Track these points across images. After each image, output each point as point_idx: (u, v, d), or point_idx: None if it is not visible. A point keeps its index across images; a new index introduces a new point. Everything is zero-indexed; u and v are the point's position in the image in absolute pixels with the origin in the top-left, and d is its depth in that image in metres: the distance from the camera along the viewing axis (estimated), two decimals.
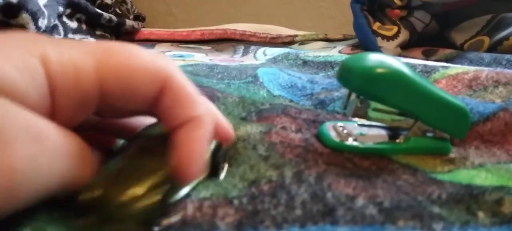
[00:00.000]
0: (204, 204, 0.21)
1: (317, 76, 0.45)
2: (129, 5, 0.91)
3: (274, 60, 0.56)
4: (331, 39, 0.80)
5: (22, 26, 0.54)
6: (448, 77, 0.41)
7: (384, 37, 0.64)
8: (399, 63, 0.27)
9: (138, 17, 0.92)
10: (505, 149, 0.30)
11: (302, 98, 0.40)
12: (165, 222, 0.19)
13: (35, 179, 0.15)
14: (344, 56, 0.53)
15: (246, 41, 0.77)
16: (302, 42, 0.78)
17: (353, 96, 0.28)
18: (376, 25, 0.65)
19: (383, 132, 0.31)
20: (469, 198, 0.23)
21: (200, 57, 0.62)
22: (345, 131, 0.30)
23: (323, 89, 0.40)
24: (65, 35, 0.65)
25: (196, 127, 0.20)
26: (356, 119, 0.30)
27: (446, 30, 0.68)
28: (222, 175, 0.24)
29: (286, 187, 0.23)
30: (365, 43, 0.65)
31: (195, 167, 0.19)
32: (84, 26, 0.71)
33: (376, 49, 0.63)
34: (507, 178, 0.25)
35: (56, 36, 0.62)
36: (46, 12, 0.58)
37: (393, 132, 0.30)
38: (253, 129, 0.30)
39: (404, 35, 0.65)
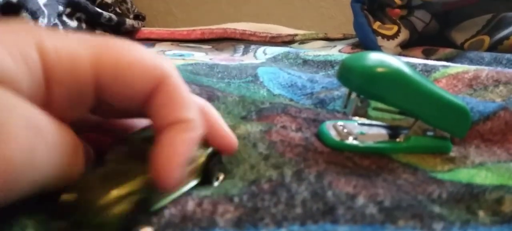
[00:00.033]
0: (204, 201, 0.21)
1: (317, 76, 0.45)
2: (129, 4, 0.91)
3: (274, 60, 0.56)
4: (331, 39, 0.80)
5: None
6: (448, 76, 0.41)
7: (384, 36, 0.64)
8: (399, 63, 0.27)
9: (138, 17, 0.91)
10: (505, 148, 0.30)
11: (302, 97, 0.40)
12: None
13: (31, 171, 0.15)
14: (344, 56, 0.53)
15: (246, 41, 0.77)
16: (302, 42, 0.78)
17: (353, 95, 0.28)
18: (376, 25, 0.65)
19: (383, 131, 0.31)
20: (470, 197, 0.23)
21: (200, 56, 0.62)
22: (345, 130, 0.30)
23: (323, 88, 0.40)
24: None
25: (182, 129, 0.19)
26: (356, 118, 0.30)
27: (447, 29, 0.68)
28: (216, 184, 0.23)
29: (286, 186, 0.23)
30: (365, 43, 0.65)
31: (173, 171, 0.18)
32: (84, 26, 0.71)
33: (376, 48, 0.63)
34: (507, 177, 0.25)
35: None
36: (46, 11, 0.58)
37: (393, 131, 0.30)
38: (253, 128, 0.30)
39: (404, 35, 0.65)
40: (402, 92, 0.27)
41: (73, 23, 0.68)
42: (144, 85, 0.19)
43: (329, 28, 0.95)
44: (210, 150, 0.23)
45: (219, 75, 0.45)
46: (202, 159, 0.22)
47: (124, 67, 0.19)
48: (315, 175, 0.24)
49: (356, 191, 0.22)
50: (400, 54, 0.62)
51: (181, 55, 0.63)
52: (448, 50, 0.61)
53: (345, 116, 0.35)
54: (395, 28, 0.65)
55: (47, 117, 0.16)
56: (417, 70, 0.43)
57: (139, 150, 0.20)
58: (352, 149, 0.28)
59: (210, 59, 0.58)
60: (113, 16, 0.75)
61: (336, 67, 0.49)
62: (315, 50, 0.61)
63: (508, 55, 0.54)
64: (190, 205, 0.20)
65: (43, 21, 0.56)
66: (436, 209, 0.21)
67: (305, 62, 0.53)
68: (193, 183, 0.22)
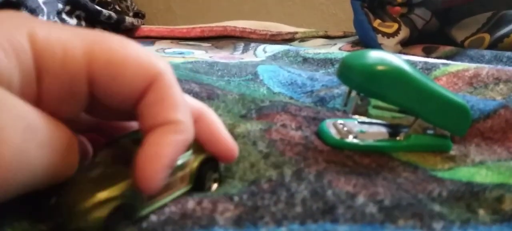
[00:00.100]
0: (204, 200, 0.21)
1: (317, 74, 0.45)
2: (129, 2, 0.90)
3: (274, 58, 0.56)
4: (331, 36, 0.79)
5: None
6: (448, 74, 0.41)
7: (384, 34, 0.64)
8: (399, 61, 0.27)
9: (137, 14, 0.91)
10: (505, 146, 0.30)
11: (302, 95, 0.39)
12: None
13: (22, 171, 0.15)
14: (344, 54, 0.53)
15: (246, 38, 0.77)
16: (302, 39, 0.77)
17: (354, 93, 0.28)
18: (376, 22, 0.65)
19: (383, 129, 0.31)
20: (470, 195, 0.23)
21: (200, 54, 0.62)
22: (345, 128, 0.30)
23: (323, 86, 0.40)
24: None
25: (169, 131, 0.18)
26: (356, 116, 0.30)
27: (447, 27, 0.68)
28: (212, 189, 0.22)
29: (286, 185, 0.23)
30: (366, 40, 0.65)
31: (155, 173, 0.17)
32: (83, 23, 0.70)
33: (377, 46, 0.62)
34: (508, 175, 0.25)
35: None
36: (45, 9, 0.58)
37: (394, 129, 0.30)
38: (253, 127, 0.30)
39: (404, 32, 0.64)
40: (402, 91, 0.27)
41: (73, 21, 0.67)
42: (138, 83, 0.18)
43: (330, 26, 0.95)
44: (204, 155, 0.22)
45: (219, 73, 0.45)
46: (194, 165, 0.21)
47: (118, 63, 0.18)
48: (315, 174, 0.24)
49: (356, 190, 0.22)
50: (400, 52, 0.62)
51: (181, 53, 0.63)
52: (448, 48, 0.61)
53: (345, 114, 0.35)
54: (395, 26, 0.65)
55: (40, 114, 0.16)
56: (418, 68, 0.43)
57: (127, 153, 0.19)
58: (352, 147, 0.28)
59: (210, 57, 0.58)
60: (113, 14, 0.75)
61: (336, 65, 0.49)
62: (315, 48, 0.61)
63: (508, 53, 0.54)
64: (190, 203, 0.20)
65: (42, 19, 0.56)
66: (436, 207, 0.21)
67: (305, 60, 0.53)
68: (183, 189, 0.21)
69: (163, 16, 1.19)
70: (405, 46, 0.65)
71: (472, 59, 0.55)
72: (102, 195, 0.17)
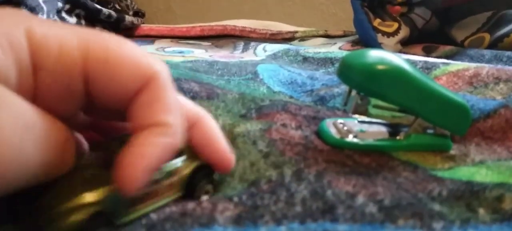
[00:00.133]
0: (203, 201, 0.21)
1: (317, 73, 0.45)
2: (129, 1, 0.90)
3: (274, 57, 0.56)
4: (332, 36, 0.79)
5: None
6: (448, 74, 0.41)
7: (384, 33, 0.63)
8: (399, 60, 0.27)
9: (137, 13, 0.91)
10: (505, 146, 0.30)
11: (302, 94, 0.39)
12: None
13: (20, 168, 0.15)
14: (344, 53, 0.53)
15: (246, 38, 0.77)
16: (302, 39, 0.77)
17: (354, 93, 0.28)
18: (376, 22, 0.65)
19: (383, 129, 0.31)
20: (470, 194, 0.23)
21: (200, 53, 0.62)
22: (345, 128, 0.30)
23: (323, 85, 0.40)
24: None
25: (157, 133, 0.17)
26: (356, 116, 0.30)
27: (447, 26, 0.68)
28: (204, 199, 0.21)
29: (286, 185, 0.23)
30: (366, 40, 0.65)
31: (136, 173, 0.17)
32: (83, 22, 0.70)
33: (377, 45, 0.62)
34: (508, 175, 0.25)
35: None
36: (45, 8, 0.57)
37: (394, 129, 0.30)
38: (252, 127, 0.30)
39: (404, 32, 0.64)
40: (403, 90, 0.27)
41: (72, 20, 0.67)
42: (133, 82, 0.18)
43: (330, 25, 0.95)
44: (197, 163, 0.21)
45: (219, 73, 0.45)
46: (186, 172, 0.21)
47: (113, 61, 0.18)
48: (314, 174, 0.24)
49: (356, 190, 0.22)
50: (400, 52, 0.62)
51: (180, 52, 0.63)
52: (448, 48, 0.61)
53: (345, 114, 0.34)
54: (395, 25, 0.65)
55: (36, 110, 0.16)
56: (418, 67, 0.43)
57: (112, 157, 0.18)
58: (352, 146, 0.28)
59: (210, 56, 0.58)
60: (113, 13, 0.75)
61: (336, 65, 0.49)
62: (315, 48, 0.61)
63: (508, 53, 0.53)
64: (190, 203, 0.20)
65: (42, 17, 0.56)
66: (436, 207, 0.21)
67: (305, 59, 0.53)
68: (171, 197, 0.20)
69: (163, 15, 1.19)
70: (405, 45, 0.65)
71: (472, 59, 0.55)
72: (81, 199, 0.17)
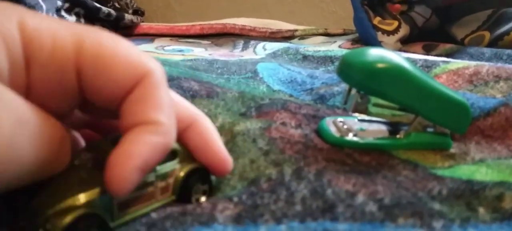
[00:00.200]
0: (201, 202, 0.21)
1: (317, 71, 0.45)
2: None
3: (274, 55, 0.56)
4: (331, 34, 0.79)
5: None
6: (448, 72, 0.41)
7: (384, 31, 0.63)
8: (399, 58, 0.27)
9: (137, 11, 0.91)
10: (505, 144, 0.30)
11: (302, 93, 0.39)
12: None
13: (12, 165, 0.15)
14: (344, 51, 0.53)
15: (245, 36, 0.77)
16: (302, 37, 0.77)
17: (354, 91, 0.28)
18: (376, 20, 0.65)
19: (383, 127, 0.31)
20: (470, 193, 0.23)
21: (200, 51, 0.62)
22: (345, 126, 0.30)
23: (323, 84, 0.40)
24: None
25: (147, 131, 0.17)
26: (356, 114, 0.30)
27: (447, 24, 0.68)
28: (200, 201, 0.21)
29: (286, 184, 0.23)
30: (366, 38, 0.65)
31: (125, 173, 0.16)
32: (82, 21, 0.70)
33: (377, 44, 0.62)
34: (508, 173, 0.25)
35: None
36: (44, 6, 0.57)
37: (394, 127, 0.30)
38: (252, 125, 0.30)
39: (404, 30, 0.64)
40: (403, 88, 0.27)
41: (72, 18, 0.67)
42: (125, 79, 0.17)
43: (329, 24, 0.95)
44: (193, 166, 0.21)
45: (219, 71, 0.45)
46: (180, 175, 0.20)
47: (107, 57, 0.17)
48: (314, 173, 0.24)
49: (356, 189, 0.22)
50: (400, 50, 0.62)
51: (180, 50, 0.62)
52: (448, 46, 0.61)
53: (345, 112, 0.34)
54: (396, 23, 0.65)
55: (30, 107, 0.16)
56: (418, 66, 0.43)
57: (105, 157, 0.18)
58: (352, 145, 0.28)
59: (210, 54, 0.58)
60: (112, 11, 0.75)
61: (336, 63, 0.49)
62: (315, 46, 0.61)
63: (508, 51, 0.53)
64: (190, 204, 0.20)
65: None
66: (436, 206, 0.21)
67: (305, 57, 0.53)
68: (164, 201, 0.20)
69: (162, 13, 1.19)
70: (405, 44, 0.65)
71: (472, 57, 0.55)
72: (70, 201, 0.17)
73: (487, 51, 0.55)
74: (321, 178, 0.23)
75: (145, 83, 0.18)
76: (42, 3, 0.57)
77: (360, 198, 0.21)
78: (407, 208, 0.21)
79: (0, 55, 0.15)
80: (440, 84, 0.28)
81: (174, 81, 0.37)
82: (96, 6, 0.71)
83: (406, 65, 0.27)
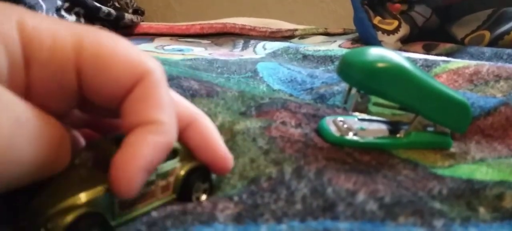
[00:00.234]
0: (204, 200, 0.21)
1: (317, 71, 0.45)
2: None
3: (274, 55, 0.56)
4: (331, 33, 0.79)
5: None
6: (449, 71, 0.41)
7: (384, 31, 0.63)
8: (399, 58, 0.27)
9: (137, 11, 0.91)
10: (506, 144, 0.30)
11: (302, 92, 0.39)
12: None
13: (11, 165, 0.15)
14: (344, 51, 0.53)
15: (245, 35, 0.76)
16: (302, 36, 0.77)
17: (354, 90, 0.28)
18: (376, 19, 0.65)
19: (383, 127, 0.31)
20: (470, 193, 0.23)
21: (200, 51, 0.62)
22: (345, 126, 0.30)
23: (323, 83, 0.40)
24: None
25: (149, 131, 0.17)
26: (356, 113, 0.30)
27: (447, 24, 0.68)
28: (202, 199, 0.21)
29: (286, 183, 0.23)
30: (366, 38, 0.65)
31: (131, 174, 0.16)
32: (82, 20, 0.70)
33: (377, 43, 0.62)
34: (508, 172, 0.25)
35: None
36: (44, 6, 0.57)
37: (394, 127, 0.30)
38: (252, 124, 0.30)
39: (404, 30, 0.64)
40: (403, 88, 0.27)
41: (72, 18, 0.67)
42: (125, 79, 0.18)
43: (329, 23, 0.94)
44: (193, 164, 0.21)
45: (219, 71, 0.45)
46: (180, 173, 0.20)
47: (106, 56, 0.17)
48: (314, 171, 0.24)
49: (356, 188, 0.22)
50: (400, 49, 0.62)
51: (180, 50, 0.62)
52: (448, 45, 0.61)
53: (345, 111, 0.34)
54: (396, 23, 0.65)
55: (29, 107, 0.16)
56: (418, 65, 0.43)
57: (106, 156, 0.18)
58: (352, 144, 0.28)
59: (210, 54, 0.58)
60: (112, 11, 0.75)
61: (336, 62, 0.49)
62: (315, 45, 0.61)
63: (508, 50, 0.53)
64: (191, 203, 0.20)
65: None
66: (437, 205, 0.21)
67: (305, 57, 0.53)
68: (165, 200, 0.20)
69: (162, 13, 1.19)
70: (405, 43, 0.65)
71: (472, 57, 0.55)
72: (71, 200, 0.17)
73: (487, 50, 0.55)
74: (321, 177, 0.23)
75: (145, 82, 0.18)
76: (42, 3, 0.57)
77: (361, 196, 0.21)
78: (408, 207, 0.21)
79: (2, 60, 0.15)
80: (440, 83, 0.28)
81: (174, 81, 0.37)
82: (96, 6, 0.71)
83: (406, 64, 0.27)
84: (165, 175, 0.20)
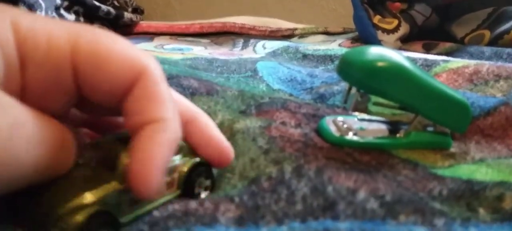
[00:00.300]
0: (205, 201, 0.21)
1: (316, 70, 0.45)
2: None
3: (274, 54, 0.56)
4: (331, 33, 0.79)
5: None
6: (448, 71, 0.41)
7: (384, 30, 0.63)
8: (399, 57, 0.27)
9: (136, 10, 0.91)
10: (505, 144, 0.30)
11: (301, 92, 0.39)
12: None
13: (11, 166, 0.15)
14: (344, 50, 0.53)
15: (245, 35, 0.76)
16: (302, 36, 0.77)
17: (354, 90, 0.28)
18: (376, 18, 0.65)
19: (383, 126, 0.31)
20: (470, 194, 0.23)
21: (199, 50, 0.61)
22: (345, 125, 0.30)
23: (323, 83, 0.40)
24: None
25: (158, 129, 0.17)
26: (356, 113, 0.30)
27: (447, 23, 0.68)
28: (203, 196, 0.21)
29: (286, 182, 0.22)
30: (365, 37, 0.65)
31: (152, 176, 0.17)
32: (82, 19, 0.70)
33: (376, 42, 0.62)
34: (508, 173, 0.25)
35: None
36: (43, 5, 0.57)
37: (394, 126, 0.30)
38: (252, 123, 0.30)
39: (404, 29, 0.64)
40: (403, 87, 0.26)
41: (71, 17, 0.67)
42: (123, 76, 0.18)
43: (329, 22, 0.94)
44: (195, 160, 0.21)
45: (218, 70, 0.45)
46: (183, 170, 0.21)
47: (103, 54, 0.17)
48: (315, 170, 0.24)
49: (357, 186, 0.22)
50: (400, 49, 0.62)
51: (180, 49, 0.62)
52: (448, 45, 0.61)
53: (345, 111, 0.34)
54: (395, 22, 0.64)
55: (29, 111, 0.16)
56: (418, 64, 0.43)
57: (111, 155, 0.18)
58: (352, 144, 0.28)
59: (209, 53, 0.58)
60: (111, 9, 0.75)
61: (336, 62, 0.49)
62: (314, 45, 0.60)
63: (508, 50, 0.53)
64: (192, 203, 0.20)
65: (40, 14, 0.56)
66: (437, 206, 0.21)
67: (305, 56, 0.53)
68: (170, 196, 0.20)
69: (162, 11, 1.19)
70: (405, 42, 0.65)
71: (472, 56, 0.55)
72: (80, 199, 0.17)
73: (487, 50, 0.55)
74: (321, 175, 0.23)
75: (144, 80, 0.18)
76: (41, 2, 0.57)
77: (361, 194, 0.21)
78: (409, 205, 0.20)
79: None
80: (440, 83, 0.28)
81: (173, 79, 0.37)
82: (95, 5, 0.71)
83: (406, 64, 0.26)
84: (170, 172, 0.20)
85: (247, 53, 0.59)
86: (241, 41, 0.69)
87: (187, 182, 0.21)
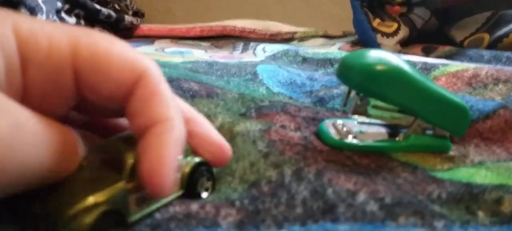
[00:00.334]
0: (206, 204, 0.21)
1: (316, 73, 0.45)
2: (128, 1, 0.90)
3: (274, 57, 0.56)
4: (331, 36, 0.79)
5: None
6: (448, 74, 0.41)
7: (383, 34, 0.63)
8: (399, 60, 0.27)
9: (137, 13, 0.91)
10: (505, 147, 0.30)
11: (301, 95, 0.39)
12: None
13: (12, 168, 0.15)
14: (343, 53, 0.53)
15: (245, 38, 0.77)
16: (302, 39, 0.77)
17: (353, 93, 0.28)
18: (376, 22, 0.65)
19: (382, 130, 0.31)
20: (469, 197, 0.23)
21: (199, 53, 0.62)
22: (344, 129, 0.30)
23: (322, 86, 0.40)
24: None
25: (166, 129, 0.18)
26: (355, 116, 0.30)
27: (446, 26, 0.68)
28: (204, 195, 0.22)
29: (286, 186, 0.23)
30: (365, 40, 0.65)
31: (165, 174, 0.17)
32: (82, 22, 0.70)
33: (376, 46, 0.62)
34: (507, 176, 0.25)
35: None
36: (44, 8, 0.57)
37: (393, 130, 0.30)
38: (252, 126, 0.30)
39: (404, 32, 0.64)
40: (402, 90, 0.27)
41: (72, 20, 0.67)
42: (123, 78, 0.18)
43: (329, 26, 0.95)
44: (196, 160, 0.21)
45: (218, 73, 0.45)
46: (186, 170, 0.21)
47: (103, 56, 0.18)
48: (314, 173, 0.24)
49: (357, 188, 0.22)
50: (399, 52, 0.62)
51: (180, 52, 0.62)
52: (447, 48, 0.61)
53: (345, 114, 0.34)
54: (395, 25, 0.65)
55: (30, 113, 0.16)
56: (417, 68, 0.43)
57: (116, 155, 0.18)
58: (352, 147, 0.28)
59: (209, 56, 0.58)
60: (112, 13, 0.75)
61: (336, 65, 0.49)
62: (314, 48, 0.61)
63: (507, 53, 0.54)
64: (194, 206, 0.20)
65: (41, 17, 0.56)
66: (436, 209, 0.21)
67: (305, 60, 0.53)
68: (174, 195, 0.21)
69: (162, 15, 1.19)
70: (405, 46, 0.65)
71: (471, 59, 0.55)
72: (89, 200, 0.17)
73: (486, 53, 0.55)
74: (321, 178, 0.23)
75: (145, 81, 0.18)
76: (42, 5, 0.57)
77: (361, 197, 0.21)
78: (408, 207, 0.21)
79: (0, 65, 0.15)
80: (439, 86, 0.28)
81: (173, 82, 0.37)
82: (96, 8, 0.71)
83: (406, 67, 0.27)
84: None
85: (247, 57, 0.59)
86: (241, 45, 0.69)
87: (190, 182, 0.21)
